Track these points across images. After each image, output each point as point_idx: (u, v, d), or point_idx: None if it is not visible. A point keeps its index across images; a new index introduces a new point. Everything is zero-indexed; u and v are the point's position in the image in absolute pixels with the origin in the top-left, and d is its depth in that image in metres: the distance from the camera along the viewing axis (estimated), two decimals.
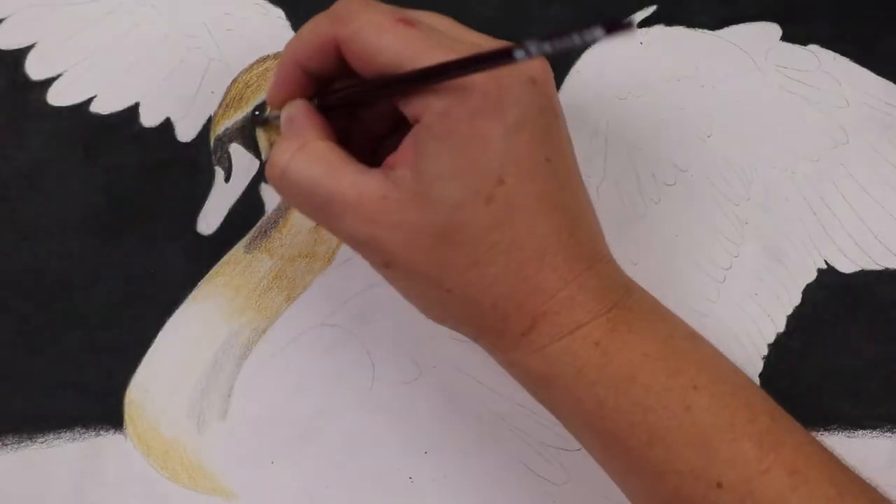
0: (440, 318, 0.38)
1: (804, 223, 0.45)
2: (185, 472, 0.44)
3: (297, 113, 0.38)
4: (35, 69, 0.46)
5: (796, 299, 0.45)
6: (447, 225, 0.34)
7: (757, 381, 0.44)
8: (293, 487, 0.44)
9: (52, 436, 0.44)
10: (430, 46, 0.34)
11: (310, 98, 0.38)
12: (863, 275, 0.45)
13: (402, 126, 0.37)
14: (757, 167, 0.46)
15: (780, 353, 0.45)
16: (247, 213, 0.45)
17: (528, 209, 0.35)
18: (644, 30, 0.46)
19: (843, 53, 0.46)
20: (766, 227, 0.45)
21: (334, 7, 0.36)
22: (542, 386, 0.37)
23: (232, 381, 0.44)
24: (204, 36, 0.47)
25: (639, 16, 0.46)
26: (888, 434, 0.44)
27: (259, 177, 0.46)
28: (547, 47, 0.30)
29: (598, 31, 0.29)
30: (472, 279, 0.35)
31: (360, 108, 0.39)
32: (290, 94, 0.38)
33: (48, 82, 0.46)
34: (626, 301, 0.36)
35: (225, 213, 0.45)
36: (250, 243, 0.45)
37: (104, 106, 0.46)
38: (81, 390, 0.44)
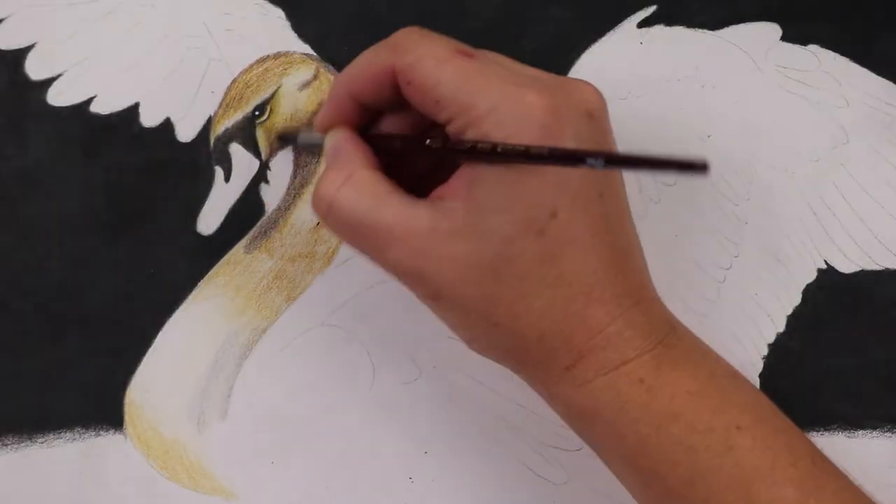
0: (485, 350, 0.37)
1: (804, 223, 0.45)
2: (185, 472, 0.44)
3: (342, 141, 0.37)
4: (35, 69, 0.46)
5: (796, 299, 0.45)
6: (497, 258, 0.34)
7: (757, 381, 0.44)
8: (293, 487, 0.44)
9: (52, 436, 0.44)
10: (488, 80, 0.34)
11: (373, 137, 0.38)
12: (863, 275, 0.45)
13: (447, 162, 0.37)
14: (757, 167, 0.46)
15: (780, 353, 0.45)
16: (247, 213, 0.45)
17: (579, 243, 0.34)
18: (644, 30, 0.46)
19: (843, 53, 0.46)
20: (766, 227, 0.45)
21: (394, 37, 0.36)
22: (584, 420, 0.36)
23: (232, 381, 0.44)
24: (204, 36, 0.47)
25: (639, 16, 0.46)
26: (888, 434, 0.44)
27: (259, 177, 0.46)
28: (603, 165, 0.32)
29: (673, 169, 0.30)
30: (520, 312, 0.35)
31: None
32: (339, 122, 0.38)
33: (48, 82, 0.46)
34: (671, 338, 0.36)
35: (225, 213, 0.45)
36: (250, 243, 0.45)
37: (104, 106, 0.46)
38: (81, 390, 0.44)
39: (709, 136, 0.46)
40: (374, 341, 0.45)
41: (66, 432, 0.44)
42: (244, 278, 0.45)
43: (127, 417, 0.44)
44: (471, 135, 0.34)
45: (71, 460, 0.44)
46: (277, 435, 0.44)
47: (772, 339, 0.45)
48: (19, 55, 0.46)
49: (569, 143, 0.34)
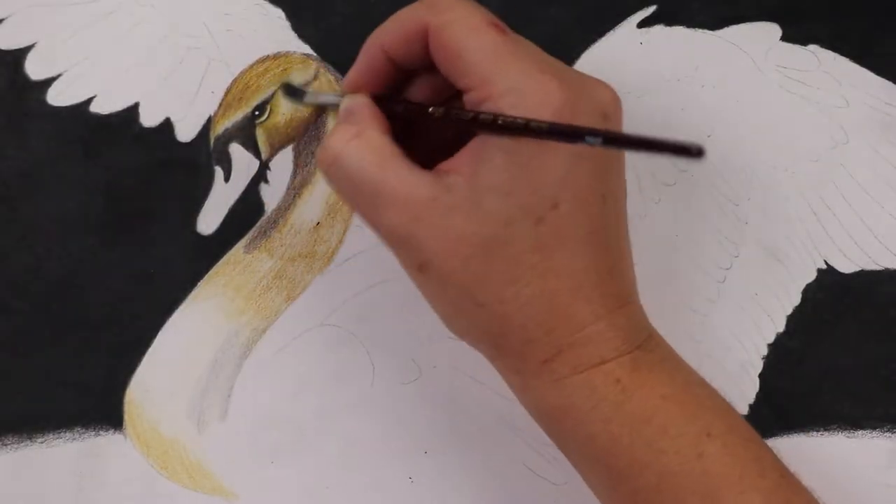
0: (463, 331, 0.37)
1: (804, 223, 0.45)
2: (185, 472, 0.44)
3: (357, 104, 0.37)
4: (35, 69, 0.46)
5: (796, 299, 0.45)
6: (492, 238, 0.34)
7: (757, 381, 0.44)
8: (293, 487, 0.44)
9: (52, 436, 0.44)
10: (515, 59, 0.34)
11: (380, 98, 0.38)
12: (863, 275, 0.45)
13: (459, 138, 0.37)
14: (757, 167, 0.46)
15: (780, 353, 0.45)
16: (247, 213, 0.45)
17: (575, 239, 0.34)
18: (644, 30, 0.46)
19: (843, 53, 0.46)
20: (766, 227, 0.45)
21: None
22: (554, 417, 0.37)
23: (232, 381, 0.44)
24: (204, 36, 0.47)
25: (639, 16, 0.46)
26: (888, 434, 0.44)
27: (259, 177, 0.46)
28: (602, 143, 0.32)
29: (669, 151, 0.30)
30: (506, 297, 0.35)
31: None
32: (369, 79, 0.38)
33: (48, 82, 0.46)
34: (649, 344, 0.36)
35: (225, 213, 0.45)
36: (250, 243, 0.45)
37: (104, 106, 0.46)
38: (81, 390, 0.44)
39: (709, 136, 0.46)
40: (374, 341, 0.45)
41: (66, 432, 0.44)
42: (244, 278, 0.45)
43: (127, 417, 0.44)
44: (485, 108, 0.34)
45: (71, 460, 0.44)
46: (277, 435, 0.44)
47: (772, 339, 0.45)
48: (19, 55, 0.46)
49: None
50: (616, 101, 0.36)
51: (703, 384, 0.37)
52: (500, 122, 0.33)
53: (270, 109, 0.45)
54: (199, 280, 0.45)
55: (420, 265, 0.35)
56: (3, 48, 0.46)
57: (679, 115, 0.46)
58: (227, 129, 0.45)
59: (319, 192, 0.45)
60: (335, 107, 0.39)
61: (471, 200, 0.34)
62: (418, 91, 0.39)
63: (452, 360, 0.44)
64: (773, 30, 0.47)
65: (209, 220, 0.45)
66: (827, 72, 0.46)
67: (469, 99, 0.35)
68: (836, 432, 0.44)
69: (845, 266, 0.45)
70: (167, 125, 0.46)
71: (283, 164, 0.46)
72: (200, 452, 0.44)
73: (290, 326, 0.45)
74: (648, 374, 0.35)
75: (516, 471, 0.44)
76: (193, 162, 0.46)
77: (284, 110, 0.45)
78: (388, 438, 0.44)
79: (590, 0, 0.47)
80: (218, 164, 0.45)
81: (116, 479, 0.44)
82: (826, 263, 0.45)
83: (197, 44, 0.47)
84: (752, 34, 0.46)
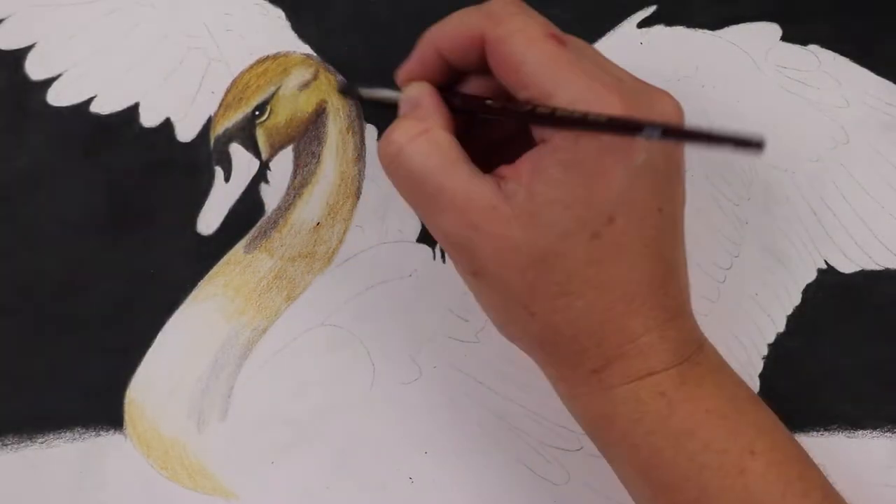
0: (514, 337, 0.37)
1: (804, 223, 0.45)
2: (185, 472, 0.44)
3: (423, 96, 0.37)
4: (35, 69, 0.46)
5: (796, 299, 0.45)
6: (548, 250, 0.34)
7: (757, 381, 0.44)
8: (293, 487, 0.44)
9: (52, 436, 0.44)
10: (574, 71, 0.34)
11: (438, 90, 0.37)
12: (863, 275, 0.45)
13: (518, 136, 0.37)
14: (757, 167, 0.46)
15: (780, 353, 0.45)
16: (247, 213, 0.45)
17: (630, 253, 0.34)
18: (644, 30, 0.46)
19: (843, 53, 0.46)
20: (766, 227, 0.45)
21: (490, 4, 0.36)
22: (599, 425, 0.36)
23: (232, 381, 0.44)
24: (204, 36, 0.47)
25: (639, 16, 0.46)
26: (888, 434, 0.44)
27: (259, 177, 0.46)
28: (660, 136, 0.32)
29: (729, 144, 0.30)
30: (559, 307, 0.34)
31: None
32: (423, 74, 0.38)
33: (48, 82, 0.46)
34: (698, 356, 0.36)
35: (225, 213, 0.45)
36: (250, 243, 0.45)
37: (104, 106, 0.46)
38: (81, 390, 0.44)
39: None
40: (374, 341, 0.45)
41: (66, 432, 0.44)
42: (244, 278, 0.45)
43: (127, 417, 0.44)
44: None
45: (71, 460, 0.44)
46: (277, 435, 0.44)
47: (772, 339, 0.45)
48: (19, 55, 0.46)
49: (640, 153, 0.34)
50: (678, 111, 0.36)
51: (750, 398, 0.37)
52: (557, 114, 0.33)
53: (270, 109, 0.45)
54: (199, 280, 0.45)
55: (475, 271, 0.35)
56: (3, 48, 0.46)
57: None
58: (227, 129, 0.45)
59: (319, 192, 0.45)
60: (392, 102, 0.38)
61: (528, 212, 0.34)
62: (470, 91, 0.39)
63: (452, 360, 0.44)
64: (773, 30, 0.47)
65: (209, 220, 0.45)
66: (827, 72, 0.46)
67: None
68: (836, 432, 0.44)
69: (845, 266, 0.45)
70: (167, 125, 0.46)
71: (283, 164, 0.46)
72: (200, 452, 0.44)
73: (290, 326, 0.45)
74: (695, 388, 0.35)
75: (516, 471, 0.44)
76: (193, 162, 0.46)
77: (284, 110, 0.45)
78: (388, 438, 0.44)
79: (590, 0, 0.47)
80: (218, 164, 0.45)
81: (116, 479, 0.44)
82: (826, 263, 0.45)
83: (197, 44, 0.47)
84: (752, 34, 0.47)
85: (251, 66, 0.46)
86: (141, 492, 0.44)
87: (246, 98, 0.46)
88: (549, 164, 0.34)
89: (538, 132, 0.35)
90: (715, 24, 0.47)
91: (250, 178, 0.46)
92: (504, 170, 0.35)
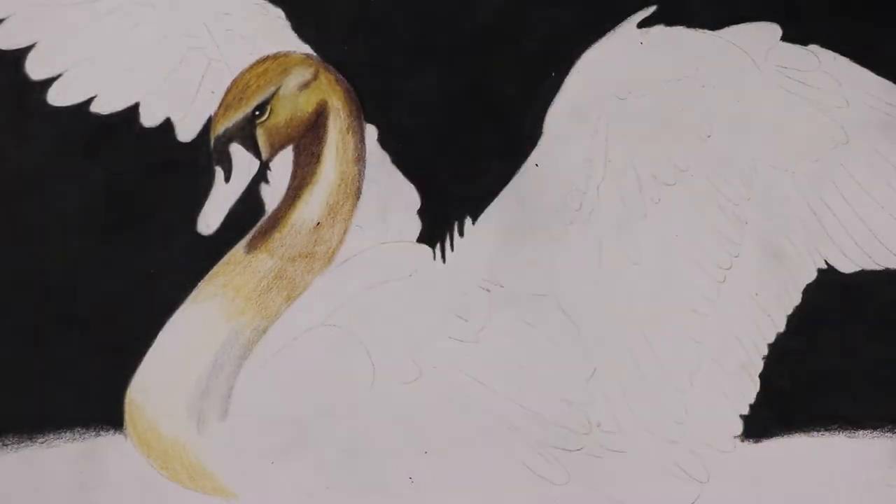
0: None
1: (804, 223, 0.45)
2: (185, 472, 0.44)
3: None
4: (35, 69, 0.46)
5: (796, 299, 0.45)
6: None
7: (757, 381, 0.44)
8: (293, 487, 0.44)
9: (52, 436, 0.44)
10: None
11: None
12: (863, 275, 0.45)
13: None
14: (757, 167, 0.46)
15: (780, 353, 0.45)
16: (247, 213, 0.45)
17: None
18: (644, 30, 0.46)
19: (843, 53, 0.46)
20: (766, 227, 0.45)
21: None
22: None
23: (232, 381, 0.44)
24: (204, 36, 0.47)
25: (639, 16, 0.46)
26: (888, 434, 0.44)
27: (259, 177, 0.46)
28: None
29: None
30: None
31: None
32: None
33: (48, 82, 0.46)
34: None
35: (225, 213, 0.45)
36: (250, 243, 0.45)
37: (104, 106, 0.46)
38: (81, 390, 0.44)
39: (709, 136, 0.46)
40: (374, 341, 0.45)
41: (66, 432, 0.44)
42: (244, 278, 0.45)
43: (127, 417, 0.44)
44: None
45: (71, 460, 0.44)
46: (277, 435, 0.44)
47: (772, 339, 0.45)
48: (19, 55, 0.46)
49: None
50: None
51: None
52: None
53: (270, 109, 0.45)
54: (199, 280, 0.45)
55: None
56: (3, 48, 0.46)
57: (679, 115, 0.46)
58: (227, 129, 0.45)
59: (319, 192, 0.45)
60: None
61: None
62: None
63: (452, 360, 0.44)
64: (773, 30, 0.47)
65: (209, 220, 0.45)
66: (827, 72, 0.46)
67: None
68: (836, 432, 0.44)
69: (845, 266, 0.45)
70: (167, 125, 0.46)
71: (283, 164, 0.46)
72: (200, 452, 0.44)
73: (290, 326, 0.45)
74: None
75: (516, 471, 0.44)
76: (193, 162, 0.46)
77: (284, 110, 0.45)
78: (388, 438, 0.44)
79: (590, 0, 0.47)
80: (218, 164, 0.45)
81: (116, 479, 0.44)
82: (826, 263, 0.45)
83: (197, 44, 0.47)
84: (752, 34, 0.46)
85: (251, 66, 0.46)
86: (141, 491, 0.43)
87: (246, 98, 0.46)
88: None
89: None
90: (715, 24, 0.47)
91: (250, 178, 0.45)
92: None
